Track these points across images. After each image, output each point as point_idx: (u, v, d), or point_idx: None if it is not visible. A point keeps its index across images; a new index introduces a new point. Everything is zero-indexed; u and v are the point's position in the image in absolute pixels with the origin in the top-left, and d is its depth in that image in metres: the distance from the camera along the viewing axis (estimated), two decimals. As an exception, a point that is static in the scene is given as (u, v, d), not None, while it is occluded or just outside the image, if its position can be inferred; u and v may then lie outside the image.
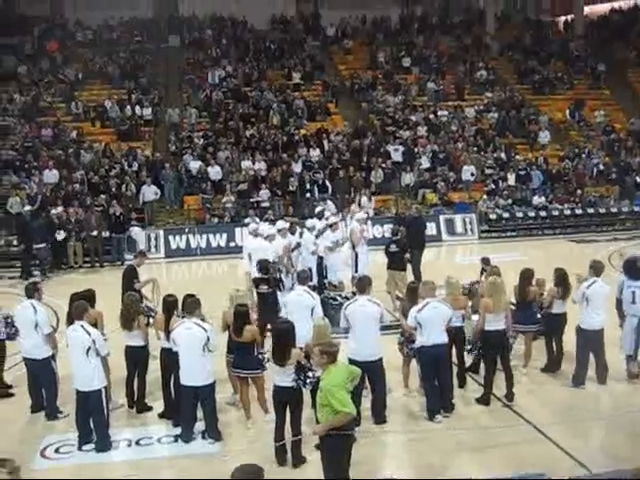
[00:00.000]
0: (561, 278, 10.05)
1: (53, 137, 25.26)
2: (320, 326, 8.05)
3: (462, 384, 9.59)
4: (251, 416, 8.61)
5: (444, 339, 8.62)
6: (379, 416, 8.56)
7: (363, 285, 8.85)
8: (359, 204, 19.85)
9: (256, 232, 13.89)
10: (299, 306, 9.22)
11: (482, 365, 9.53)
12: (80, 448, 8.10)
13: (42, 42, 31.04)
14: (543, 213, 23.56)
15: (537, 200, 23.92)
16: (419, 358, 8.92)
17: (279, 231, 13.93)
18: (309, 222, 15.02)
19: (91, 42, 31.79)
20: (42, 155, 23.69)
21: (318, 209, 16.40)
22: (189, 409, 8.16)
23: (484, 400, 9.03)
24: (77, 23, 32.59)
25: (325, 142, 25.89)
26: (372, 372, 8.37)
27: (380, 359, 8.51)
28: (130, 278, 11.48)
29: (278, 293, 11.68)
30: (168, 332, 8.43)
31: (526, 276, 10.04)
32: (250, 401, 8.65)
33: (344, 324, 8.61)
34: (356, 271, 14.26)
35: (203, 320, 8.34)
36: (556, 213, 23.60)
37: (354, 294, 10.30)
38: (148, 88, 28.59)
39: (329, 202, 21.50)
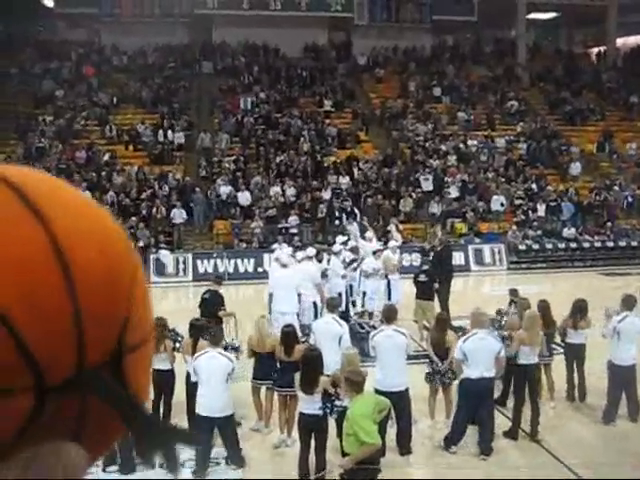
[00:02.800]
0: (577, 308, 9.99)
1: (86, 159, 25.68)
2: (349, 355, 7.97)
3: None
4: (288, 436, 8.63)
5: (491, 373, 8.37)
6: (404, 447, 8.45)
7: (390, 315, 8.81)
8: (374, 233, 19.33)
9: (282, 261, 13.75)
10: (327, 334, 9.18)
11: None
12: (104, 470, 8.09)
13: (79, 66, 31.72)
14: (573, 245, 23.33)
15: (567, 232, 23.70)
16: (461, 390, 8.67)
17: (309, 258, 13.79)
18: (336, 247, 15.01)
19: (126, 67, 32.40)
20: (75, 177, 24.06)
21: (340, 239, 16.15)
22: (205, 439, 8.08)
23: (512, 434, 8.88)
24: (113, 48, 33.26)
25: (355, 170, 25.98)
26: (397, 403, 8.26)
27: (406, 389, 8.42)
28: (215, 303, 11.19)
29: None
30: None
31: (546, 306, 9.96)
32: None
33: (373, 353, 8.60)
34: (389, 299, 14.21)
35: (226, 348, 8.41)
36: (587, 245, 23.36)
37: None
38: (181, 113, 29.00)
39: (354, 224, 21.55)
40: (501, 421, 9.30)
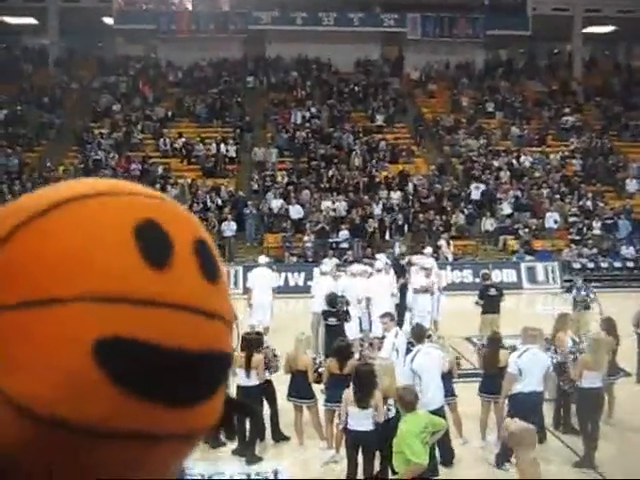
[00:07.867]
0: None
1: (141, 172, 26.15)
2: (385, 366, 7.92)
3: (542, 439, 9.20)
4: (337, 450, 8.51)
5: (541, 387, 8.41)
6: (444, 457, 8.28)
7: (421, 334, 8.83)
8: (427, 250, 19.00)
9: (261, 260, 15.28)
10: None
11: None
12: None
13: (136, 81, 32.43)
14: (630, 264, 22.71)
15: (625, 251, 23.12)
16: (512, 404, 8.48)
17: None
18: (379, 264, 14.90)
19: (181, 82, 32.98)
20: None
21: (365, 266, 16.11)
22: None
23: (586, 464, 8.55)
24: (169, 63, 33.91)
25: (410, 184, 25.89)
26: None
27: (442, 407, 8.29)
28: None
29: (345, 325, 11.93)
30: (248, 370, 8.49)
31: (612, 324, 9.74)
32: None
33: (409, 379, 8.16)
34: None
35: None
36: (644, 264, 22.74)
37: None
38: (234, 127, 29.35)
39: (397, 244, 21.56)
40: (556, 445, 9.11)
